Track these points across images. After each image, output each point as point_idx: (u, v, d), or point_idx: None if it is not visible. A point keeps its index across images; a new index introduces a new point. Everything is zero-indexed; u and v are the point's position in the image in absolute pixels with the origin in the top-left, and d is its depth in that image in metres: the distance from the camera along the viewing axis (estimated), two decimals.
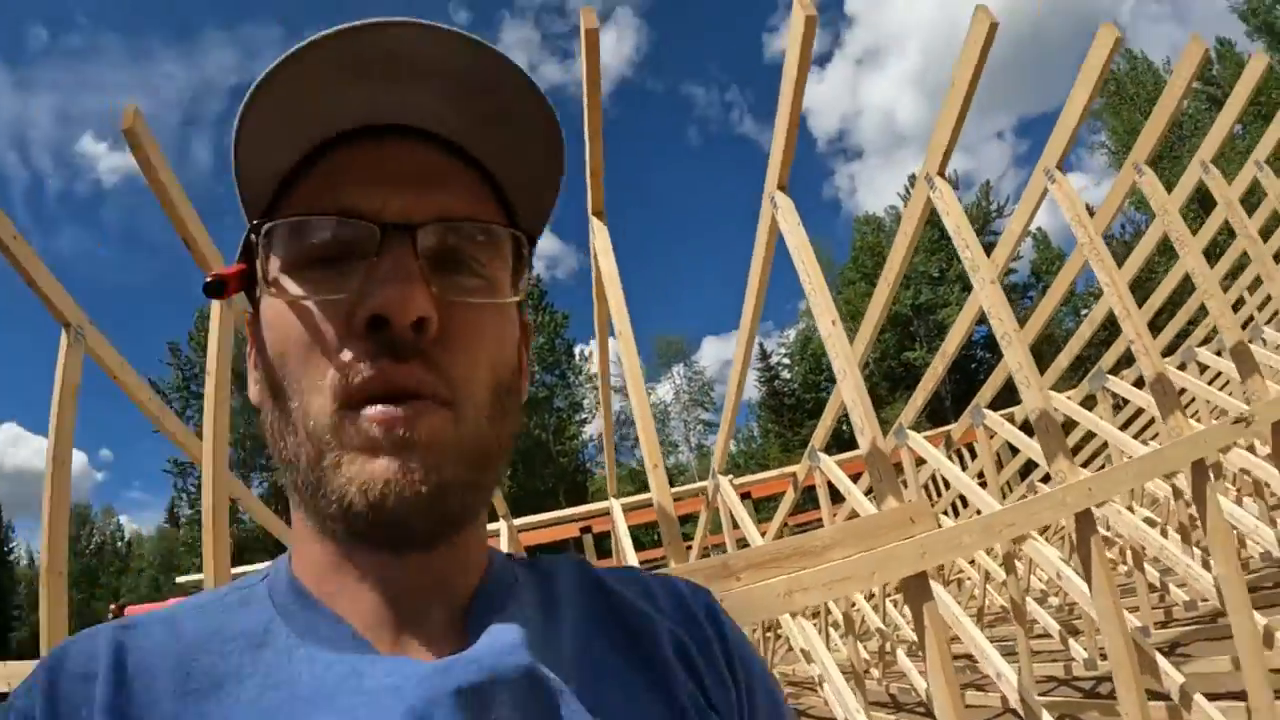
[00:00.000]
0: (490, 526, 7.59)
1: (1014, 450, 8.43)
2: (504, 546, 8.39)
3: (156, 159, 3.32)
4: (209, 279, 0.52)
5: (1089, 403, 7.26)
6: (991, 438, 7.34)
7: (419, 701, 0.45)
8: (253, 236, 0.52)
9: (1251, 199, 6.95)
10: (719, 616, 0.63)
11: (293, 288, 0.50)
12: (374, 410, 0.46)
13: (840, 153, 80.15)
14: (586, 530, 10.95)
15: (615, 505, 7.18)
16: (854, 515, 5.94)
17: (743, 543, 6.59)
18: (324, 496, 0.47)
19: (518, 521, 9.29)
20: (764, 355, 46.43)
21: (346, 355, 0.47)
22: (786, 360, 46.88)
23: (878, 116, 77.87)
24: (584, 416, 43.24)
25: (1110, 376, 7.12)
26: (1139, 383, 6.62)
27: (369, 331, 0.47)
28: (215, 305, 3.79)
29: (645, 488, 4.15)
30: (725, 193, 78.63)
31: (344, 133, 0.53)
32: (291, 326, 0.49)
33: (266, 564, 0.59)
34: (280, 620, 0.51)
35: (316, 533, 0.52)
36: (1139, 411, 8.19)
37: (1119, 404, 7.82)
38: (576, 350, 44.35)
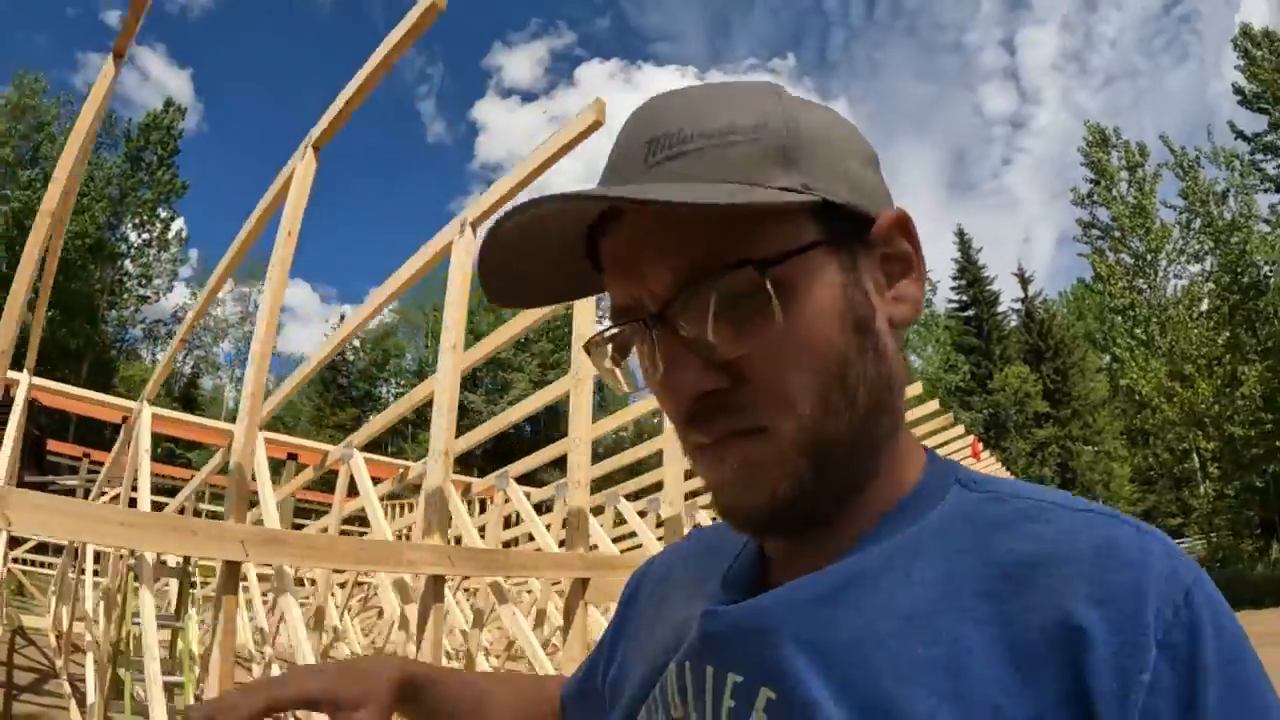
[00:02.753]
0: (11, 374, 6.22)
1: (517, 520, 9.31)
2: (18, 400, 6.96)
3: None
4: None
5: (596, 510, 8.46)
6: (505, 503, 8.14)
7: (680, 640, 0.59)
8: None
9: None
10: (1199, 629, 0.43)
11: (634, 383, 0.59)
12: (705, 450, 0.54)
13: None
14: (293, 457, 9.31)
15: (145, 410, 6.42)
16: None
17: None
18: None
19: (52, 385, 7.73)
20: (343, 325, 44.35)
21: (682, 432, 0.55)
22: (357, 341, 45.35)
23: None
24: (149, 293, 37.19)
25: (622, 498, 8.38)
26: (642, 512, 8.00)
27: (686, 414, 0.53)
28: None
29: (191, 406, 3.86)
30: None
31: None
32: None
33: None
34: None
35: None
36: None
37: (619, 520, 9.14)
38: (175, 225, 38.41)
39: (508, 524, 9.43)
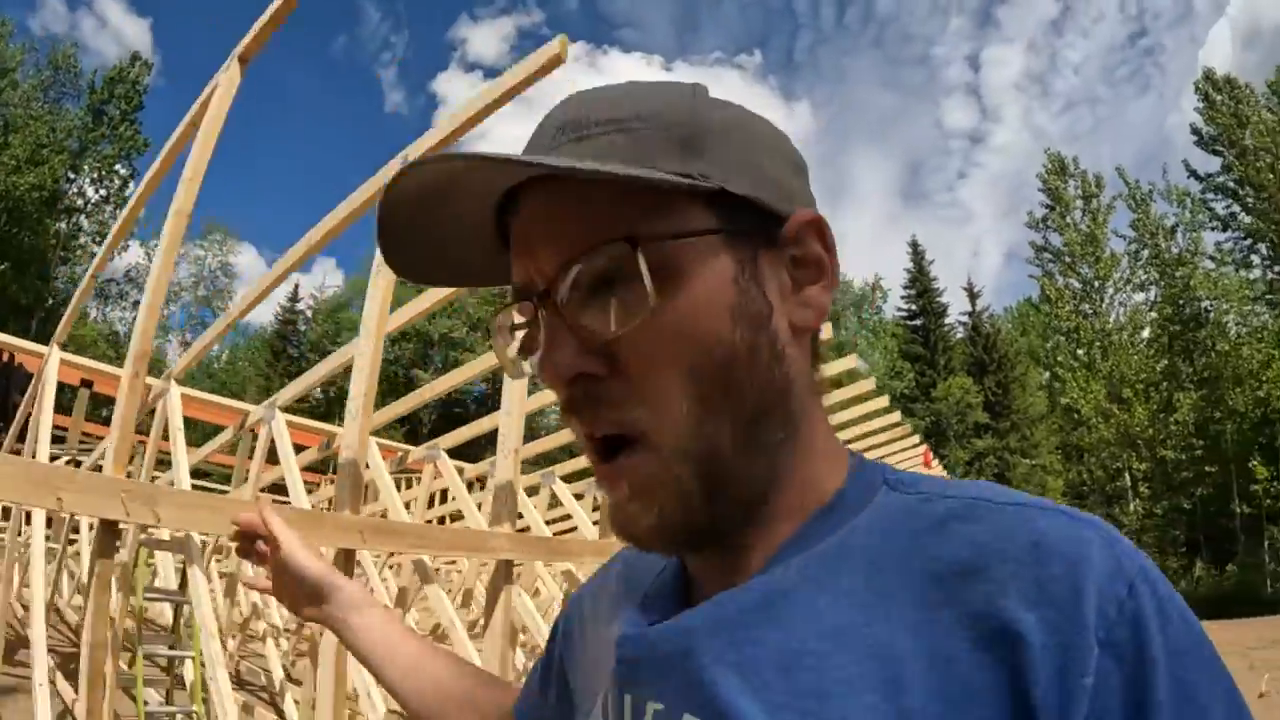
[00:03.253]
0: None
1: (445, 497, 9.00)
2: None
3: None
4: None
5: (531, 489, 8.19)
6: (436, 478, 7.76)
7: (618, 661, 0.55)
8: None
9: None
10: (1144, 623, 0.40)
11: (528, 369, 0.57)
12: (600, 471, 0.53)
13: None
14: (88, 385, 8.46)
15: (54, 354, 6.05)
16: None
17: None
18: None
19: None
20: (294, 296, 44.08)
21: (570, 423, 0.53)
22: (309, 312, 44.68)
23: None
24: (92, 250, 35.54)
25: (558, 478, 8.13)
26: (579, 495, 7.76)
27: (565, 399, 0.52)
28: None
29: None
30: None
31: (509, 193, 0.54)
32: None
33: None
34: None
35: None
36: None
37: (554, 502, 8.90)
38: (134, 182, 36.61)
39: (437, 500, 9.14)
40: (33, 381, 7.51)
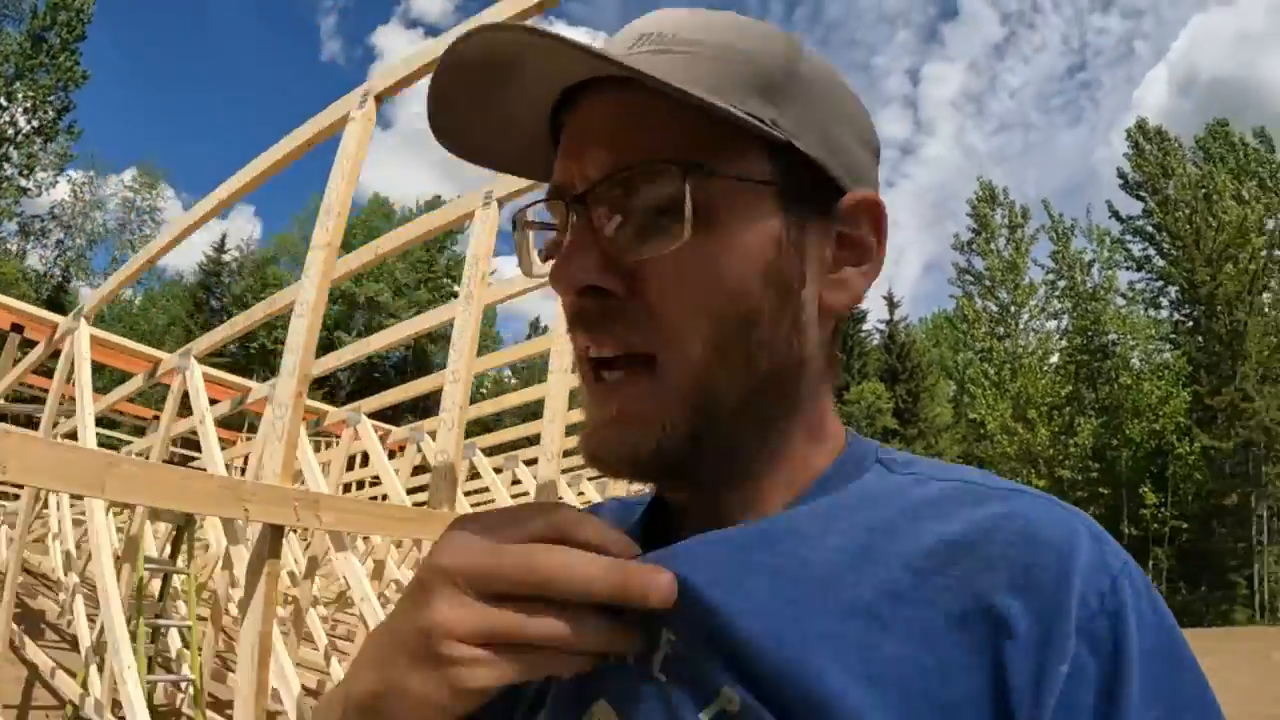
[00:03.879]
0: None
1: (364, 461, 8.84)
2: None
3: None
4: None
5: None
6: (355, 440, 7.57)
7: None
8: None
9: None
10: (1123, 618, 0.40)
11: (538, 270, 0.56)
12: (591, 390, 0.51)
13: None
14: (18, 329, 7.66)
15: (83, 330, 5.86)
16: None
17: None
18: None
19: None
20: (221, 247, 42.74)
21: (575, 336, 0.52)
22: (235, 264, 43.23)
23: None
24: (31, 185, 33.88)
25: (479, 451, 8.09)
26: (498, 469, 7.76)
27: (575, 310, 0.50)
28: None
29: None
30: None
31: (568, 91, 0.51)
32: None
33: None
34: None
35: None
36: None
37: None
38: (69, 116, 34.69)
39: (353, 465, 8.97)
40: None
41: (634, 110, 0.47)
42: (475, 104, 0.52)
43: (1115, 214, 33.17)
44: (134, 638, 5.05)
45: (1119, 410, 30.29)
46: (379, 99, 3.97)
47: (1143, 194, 32.41)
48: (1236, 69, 59.83)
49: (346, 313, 39.85)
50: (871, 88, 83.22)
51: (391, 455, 7.96)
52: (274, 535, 3.13)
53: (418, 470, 8.58)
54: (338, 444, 8.10)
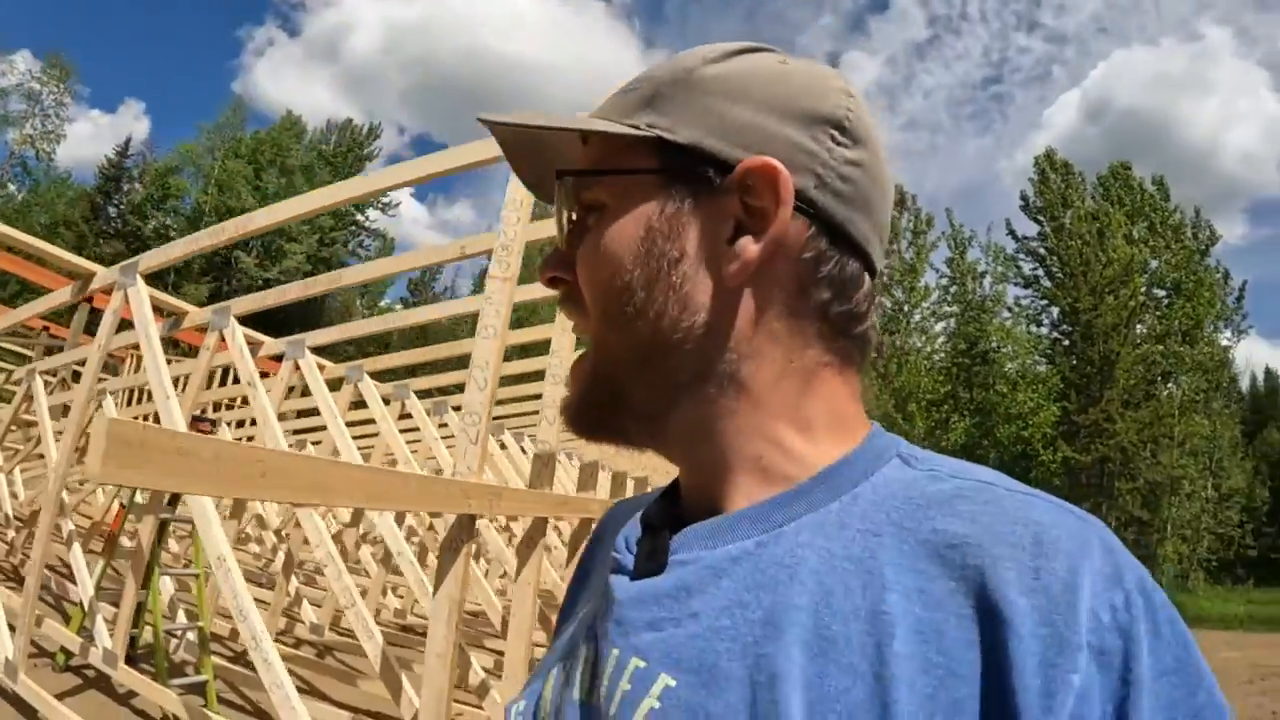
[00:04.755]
0: None
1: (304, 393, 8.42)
2: None
3: None
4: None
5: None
6: (294, 371, 6.76)
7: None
8: None
9: None
10: (1135, 637, 0.40)
11: None
12: None
13: None
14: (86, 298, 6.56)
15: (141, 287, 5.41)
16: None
17: None
18: None
19: None
20: (124, 151, 40.32)
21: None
22: (136, 171, 40.10)
23: None
24: None
25: (413, 393, 8.05)
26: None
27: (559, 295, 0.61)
28: None
29: None
30: None
31: None
32: None
33: None
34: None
35: None
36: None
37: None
38: None
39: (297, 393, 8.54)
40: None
41: (571, 140, 0.59)
42: (523, 160, 0.64)
43: (1012, 233, 35.05)
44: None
45: (992, 413, 32.51)
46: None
47: (1040, 218, 34.39)
48: (1150, 105, 62.49)
49: (241, 240, 37.57)
50: None
51: (264, 375, 6.75)
52: (470, 523, 3.44)
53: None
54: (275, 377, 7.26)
